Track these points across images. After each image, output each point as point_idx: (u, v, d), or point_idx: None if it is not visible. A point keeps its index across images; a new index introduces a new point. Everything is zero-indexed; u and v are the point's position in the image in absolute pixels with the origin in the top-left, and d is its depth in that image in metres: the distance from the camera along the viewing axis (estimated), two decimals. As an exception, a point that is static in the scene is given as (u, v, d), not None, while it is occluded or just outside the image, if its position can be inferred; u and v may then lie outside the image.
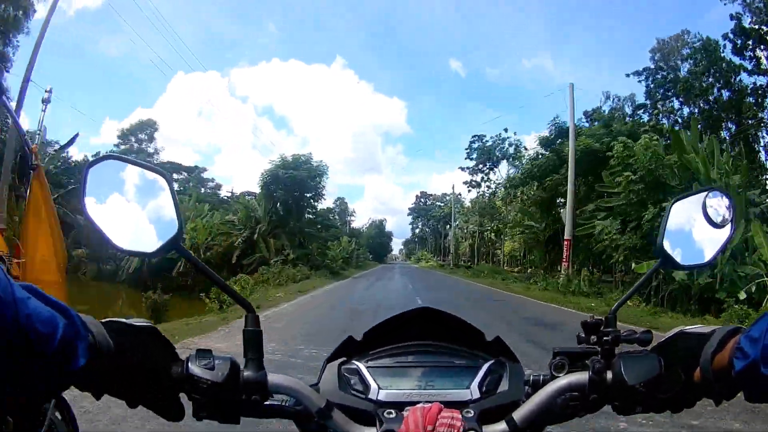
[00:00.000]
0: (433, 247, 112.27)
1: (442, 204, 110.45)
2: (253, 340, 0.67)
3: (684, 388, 0.61)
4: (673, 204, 0.72)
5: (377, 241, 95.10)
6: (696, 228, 0.71)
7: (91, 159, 0.63)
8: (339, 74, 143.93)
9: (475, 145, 63.16)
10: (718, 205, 0.69)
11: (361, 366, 0.78)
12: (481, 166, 64.60)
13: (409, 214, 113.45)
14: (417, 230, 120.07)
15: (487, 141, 60.98)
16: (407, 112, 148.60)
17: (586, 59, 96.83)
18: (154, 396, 0.60)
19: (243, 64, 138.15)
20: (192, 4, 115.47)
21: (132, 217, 0.63)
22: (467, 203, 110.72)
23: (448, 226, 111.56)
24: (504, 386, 0.76)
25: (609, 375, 0.65)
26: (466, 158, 63.91)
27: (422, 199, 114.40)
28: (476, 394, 0.74)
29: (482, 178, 70.03)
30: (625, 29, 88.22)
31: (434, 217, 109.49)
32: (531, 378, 0.75)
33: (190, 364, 0.62)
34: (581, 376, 0.67)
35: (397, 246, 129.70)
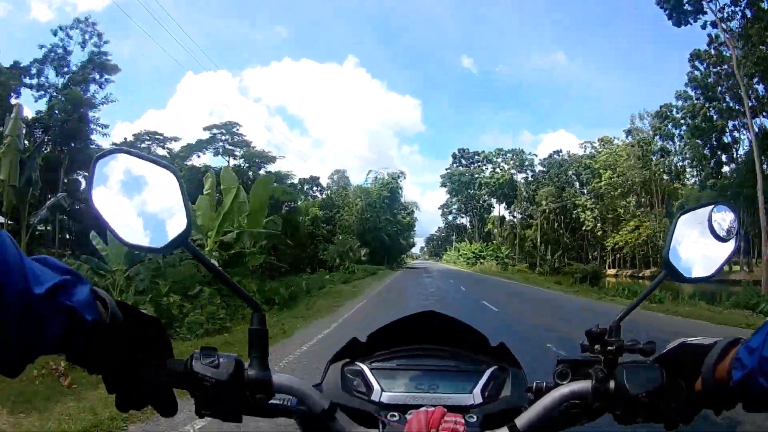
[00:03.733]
0: (475, 237, 73.31)
1: (497, 167, 71.89)
2: (258, 339, 0.68)
3: (685, 398, 0.64)
4: (679, 216, 0.74)
5: (386, 218, 51.84)
6: (701, 241, 0.73)
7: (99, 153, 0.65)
8: (351, 73, 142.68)
9: None
10: (723, 219, 0.71)
11: (365, 368, 0.80)
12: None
13: (442, 185, 74.82)
14: (450, 215, 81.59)
15: None
16: (421, 111, 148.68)
17: (598, 56, 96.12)
18: (149, 388, 0.61)
19: (255, 65, 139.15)
20: (201, 6, 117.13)
21: (139, 212, 0.63)
22: (538, 166, 73.86)
23: (504, 206, 75.42)
24: (506, 392, 0.79)
25: (611, 384, 0.66)
26: None
27: (462, 160, 74.91)
28: (479, 399, 0.77)
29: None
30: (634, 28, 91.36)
31: (487, 184, 69.55)
32: (534, 385, 0.76)
33: (194, 361, 0.63)
34: (584, 385, 0.68)
35: (417, 244, 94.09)
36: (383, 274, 35.73)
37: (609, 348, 0.68)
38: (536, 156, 69.52)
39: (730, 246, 0.72)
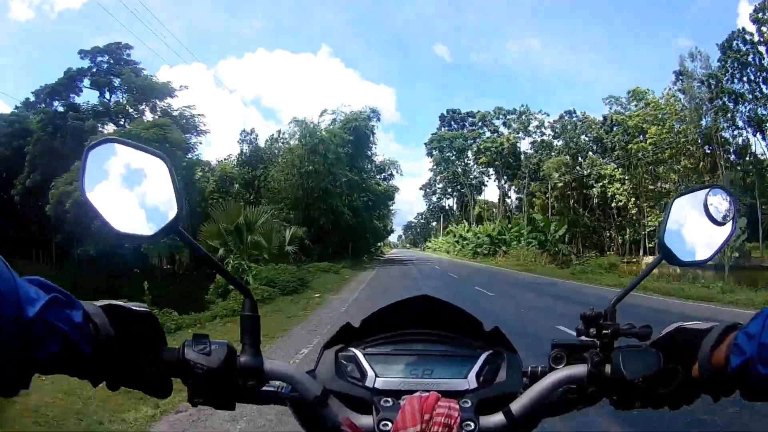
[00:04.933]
0: (470, 219, 59.78)
1: (495, 131, 58.12)
2: (250, 326, 0.68)
3: (682, 384, 0.63)
4: (674, 200, 0.74)
5: (348, 180, 30.96)
6: (697, 225, 0.73)
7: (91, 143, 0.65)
8: (326, 63, 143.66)
9: None
10: (719, 202, 0.71)
11: (358, 353, 0.80)
12: None
13: (427, 153, 60.97)
14: (434, 195, 68.07)
15: None
16: (396, 99, 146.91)
17: (573, 43, 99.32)
18: (144, 378, 0.63)
19: (229, 56, 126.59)
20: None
21: (131, 201, 0.65)
22: (548, 130, 60.00)
23: (504, 179, 61.81)
24: (501, 377, 0.78)
25: (608, 369, 0.66)
26: None
27: (452, 122, 60.65)
28: (473, 384, 0.76)
29: None
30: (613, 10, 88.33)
31: (487, 150, 55.87)
32: (529, 369, 0.77)
33: (186, 348, 0.64)
34: (580, 369, 0.68)
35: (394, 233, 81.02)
36: (325, 292, 15.29)
37: (604, 332, 0.68)
38: (547, 116, 56.24)
39: (726, 230, 0.72)
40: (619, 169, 44.68)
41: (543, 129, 55.81)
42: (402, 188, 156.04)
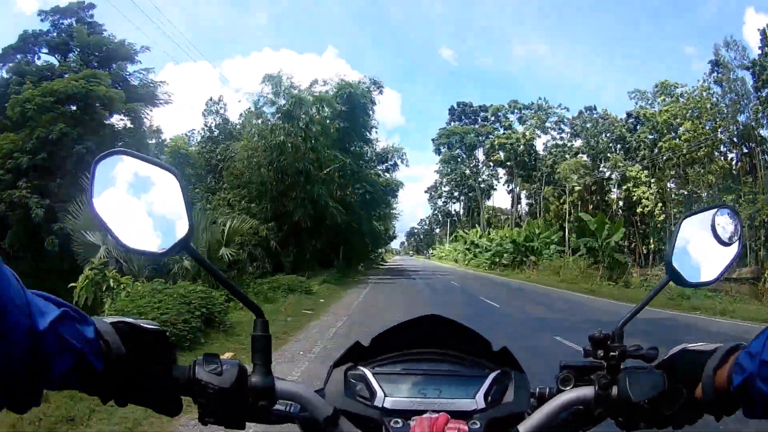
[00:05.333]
0: (481, 223, 55.80)
1: (509, 128, 54.44)
2: (261, 345, 0.68)
3: (686, 404, 0.64)
4: (683, 220, 0.74)
5: (339, 165, 23.28)
6: (704, 245, 0.73)
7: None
8: (331, 64, 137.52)
9: None
10: (727, 223, 0.72)
11: (368, 372, 0.80)
12: None
13: (435, 150, 57.21)
14: (441, 198, 64.27)
15: None
16: (401, 103, 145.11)
17: (580, 48, 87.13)
18: (154, 396, 0.63)
19: (234, 55, 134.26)
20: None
21: (140, 215, 0.64)
22: (566, 127, 55.52)
23: (519, 181, 57.92)
24: (509, 397, 0.79)
25: (614, 390, 0.68)
26: None
27: (463, 116, 56.90)
28: (481, 404, 0.77)
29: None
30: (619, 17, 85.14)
31: (502, 146, 52.12)
32: (537, 390, 0.79)
33: (197, 368, 0.64)
34: (587, 391, 0.70)
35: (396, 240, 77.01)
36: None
37: (612, 354, 0.69)
38: (567, 110, 52.21)
39: (733, 250, 0.72)
40: (645, 171, 40.68)
41: (562, 125, 51.98)
42: (405, 194, 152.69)
